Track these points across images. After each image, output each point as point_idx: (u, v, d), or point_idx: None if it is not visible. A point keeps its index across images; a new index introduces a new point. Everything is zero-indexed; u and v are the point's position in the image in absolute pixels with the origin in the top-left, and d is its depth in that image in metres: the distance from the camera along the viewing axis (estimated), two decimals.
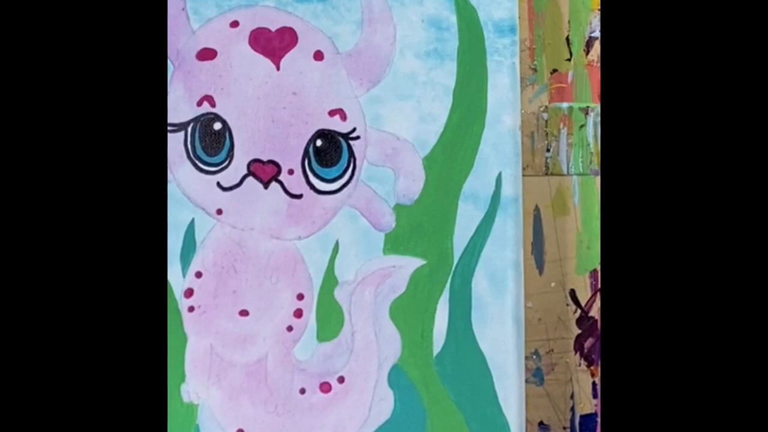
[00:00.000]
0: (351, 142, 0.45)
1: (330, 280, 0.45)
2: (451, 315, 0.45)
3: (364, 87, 0.46)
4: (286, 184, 0.45)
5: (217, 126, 0.45)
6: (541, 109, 0.49)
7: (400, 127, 0.46)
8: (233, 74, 0.45)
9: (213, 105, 0.45)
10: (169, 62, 0.45)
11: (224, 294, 0.45)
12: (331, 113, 0.45)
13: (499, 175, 0.46)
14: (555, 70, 0.49)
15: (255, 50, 0.45)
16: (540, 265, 0.48)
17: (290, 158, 0.45)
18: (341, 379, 0.45)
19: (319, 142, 0.45)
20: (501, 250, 0.45)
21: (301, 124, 0.45)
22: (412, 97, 0.46)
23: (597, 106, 0.49)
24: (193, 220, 0.45)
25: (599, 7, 0.49)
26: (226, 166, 0.45)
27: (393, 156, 0.46)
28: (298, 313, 0.45)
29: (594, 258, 0.48)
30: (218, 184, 0.45)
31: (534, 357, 0.47)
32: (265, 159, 0.45)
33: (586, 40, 0.49)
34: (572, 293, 0.48)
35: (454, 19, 0.46)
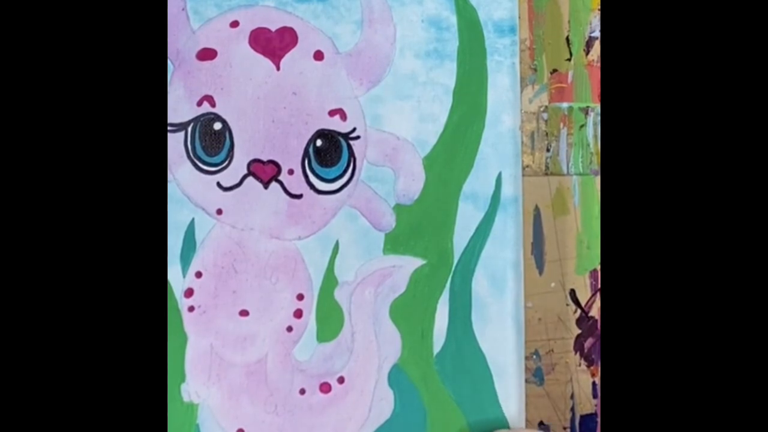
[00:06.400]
0: (351, 142, 0.45)
1: (330, 280, 0.45)
2: (451, 315, 0.45)
3: (364, 87, 0.46)
4: (286, 184, 0.45)
5: (217, 126, 0.45)
6: (541, 109, 0.49)
7: (400, 127, 0.46)
8: (233, 74, 0.45)
9: (213, 105, 0.45)
10: (169, 62, 0.45)
11: (224, 294, 0.45)
12: (331, 113, 0.45)
13: (499, 175, 0.46)
14: (555, 70, 0.49)
15: (255, 50, 0.45)
16: (540, 265, 0.48)
17: (290, 158, 0.45)
18: (341, 380, 0.45)
19: (319, 142, 0.45)
20: (501, 250, 0.45)
21: (301, 124, 0.45)
22: (412, 97, 0.46)
23: (597, 106, 0.49)
24: (193, 220, 0.45)
25: (599, 7, 0.49)
26: (226, 166, 0.45)
27: (393, 156, 0.46)
28: (298, 314, 0.45)
29: (594, 258, 0.48)
30: (218, 184, 0.45)
31: (534, 357, 0.47)
32: (265, 159, 0.45)
33: (586, 40, 0.49)
34: (572, 293, 0.48)
35: (454, 19, 0.46)
